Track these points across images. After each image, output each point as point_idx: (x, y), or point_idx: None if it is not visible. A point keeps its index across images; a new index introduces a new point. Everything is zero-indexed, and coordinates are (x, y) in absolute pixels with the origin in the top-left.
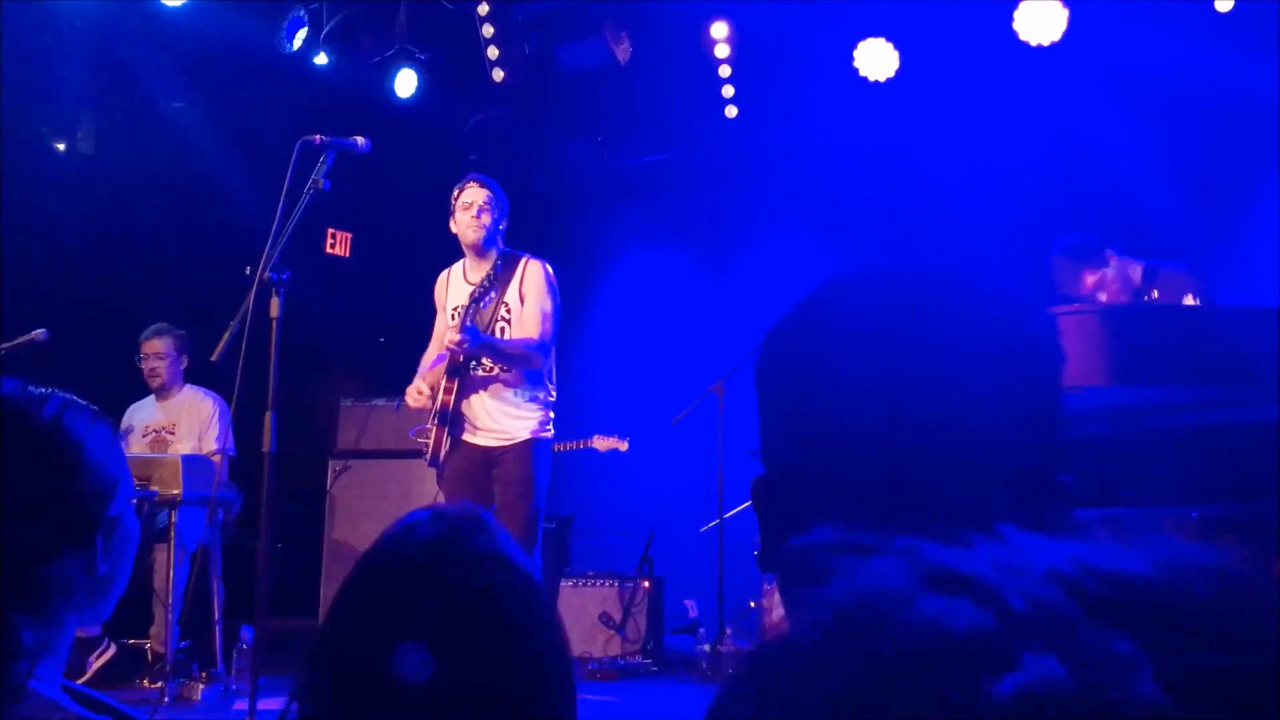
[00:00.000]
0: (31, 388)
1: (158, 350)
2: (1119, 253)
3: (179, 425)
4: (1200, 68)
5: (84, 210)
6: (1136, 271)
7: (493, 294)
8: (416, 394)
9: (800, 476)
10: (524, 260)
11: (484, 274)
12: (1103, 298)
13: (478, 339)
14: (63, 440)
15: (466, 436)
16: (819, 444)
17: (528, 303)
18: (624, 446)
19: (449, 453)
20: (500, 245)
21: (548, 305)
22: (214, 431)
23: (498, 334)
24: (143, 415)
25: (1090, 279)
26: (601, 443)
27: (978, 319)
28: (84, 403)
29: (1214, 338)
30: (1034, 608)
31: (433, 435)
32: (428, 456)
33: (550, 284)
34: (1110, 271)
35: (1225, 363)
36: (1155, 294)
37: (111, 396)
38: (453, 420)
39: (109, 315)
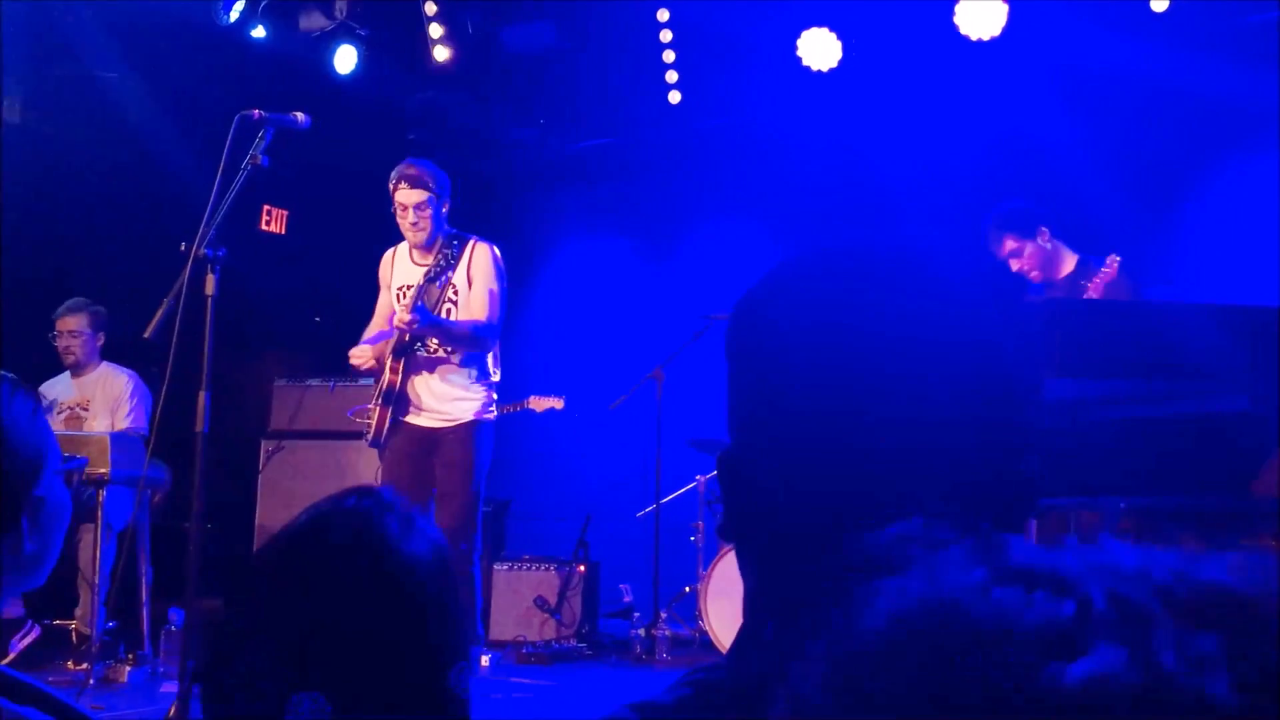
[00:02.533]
0: None
1: (72, 327)
2: (1056, 237)
3: (93, 402)
4: (1136, 65)
5: (10, 181)
6: (1070, 261)
7: (447, 275)
8: (359, 354)
9: (765, 453)
10: (472, 242)
11: (434, 256)
12: (1013, 266)
13: (427, 319)
14: None
15: (409, 418)
16: (784, 422)
17: (475, 285)
18: (560, 404)
19: (389, 433)
20: (445, 229)
21: (495, 288)
22: (126, 408)
23: (444, 315)
24: (57, 392)
25: (1009, 245)
26: (538, 403)
27: (957, 300)
28: (3, 373)
29: (1151, 333)
30: (1115, 604)
31: (375, 415)
32: (369, 437)
33: (498, 267)
34: (1030, 247)
35: (1161, 357)
36: (1103, 268)
37: (42, 372)
38: (397, 400)
39: (36, 289)
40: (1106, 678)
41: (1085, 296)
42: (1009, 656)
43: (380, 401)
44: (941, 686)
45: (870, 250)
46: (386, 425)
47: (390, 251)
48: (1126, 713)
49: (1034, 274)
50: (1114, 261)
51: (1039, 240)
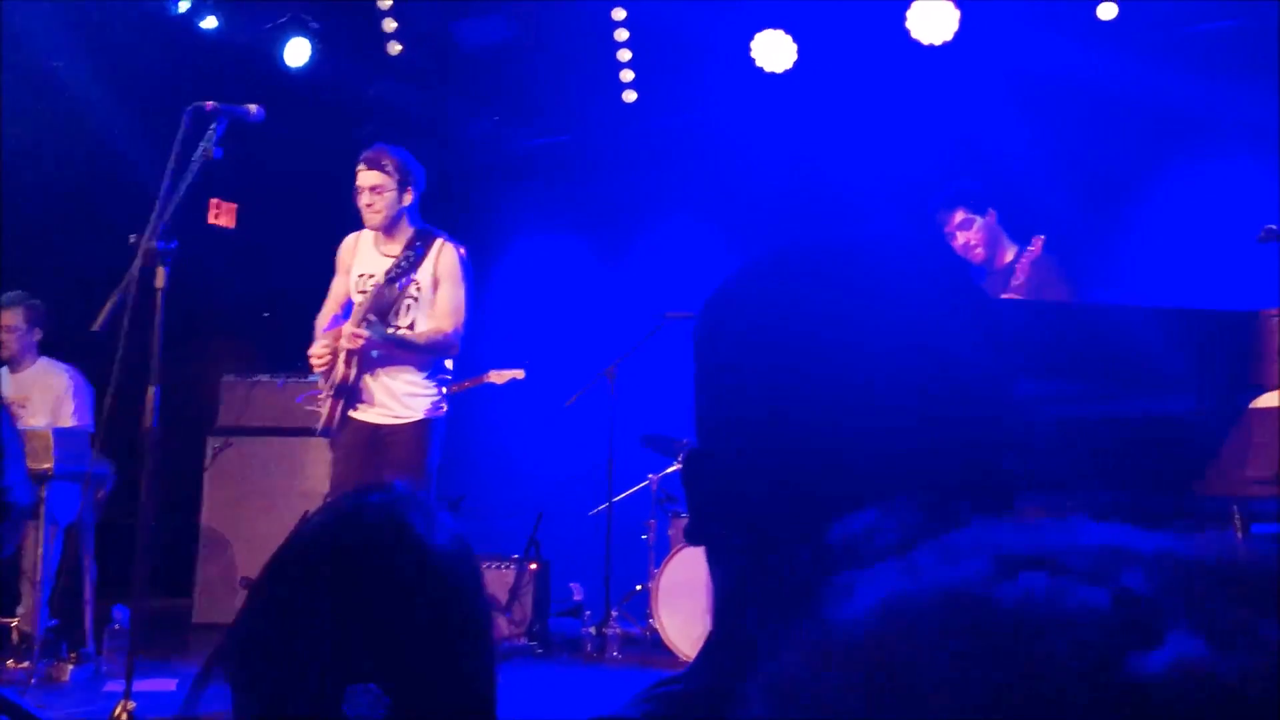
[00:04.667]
0: None
1: (6, 322)
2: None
3: (31, 399)
4: (1085, 71)
5: None
6: (1010, 251)
7: (409, 276)
8: (318, 355)
9: (732, 453)
10: (439, 242)
11: (399, 250)
12: (958, 239)
13: (378, 338)
14: None
15: (358, 413)
16: (751, 422)
17: (441, 290)
18: (521, 375)
19: (339, 427)
20: (413, 221)
21: (461, 295)
22: (69, 406)
23: (402, 313)
24: None
25: (959, 216)
26: (498, 376)
27: (915, 295)
28: None
29: (1097, 334)
30: (1160, 589)
31: (326, 406)
32: (319, 426)
33: (465, 271)
34: (979, 221)
35: (1106, 358)
36: (1028, 247)
37: None
38: (349, 393)
39: None
40: (1195, 666)
41: (1015, 279)
42: (1080, 647)
43: (332, 394)
44: (994, 677)
45: (832, 247)
46: (338, 417)
47: (353, 236)
48: (1223, 702)
49: (977, 251)
50: (1038, 241)
51: (988, 219)
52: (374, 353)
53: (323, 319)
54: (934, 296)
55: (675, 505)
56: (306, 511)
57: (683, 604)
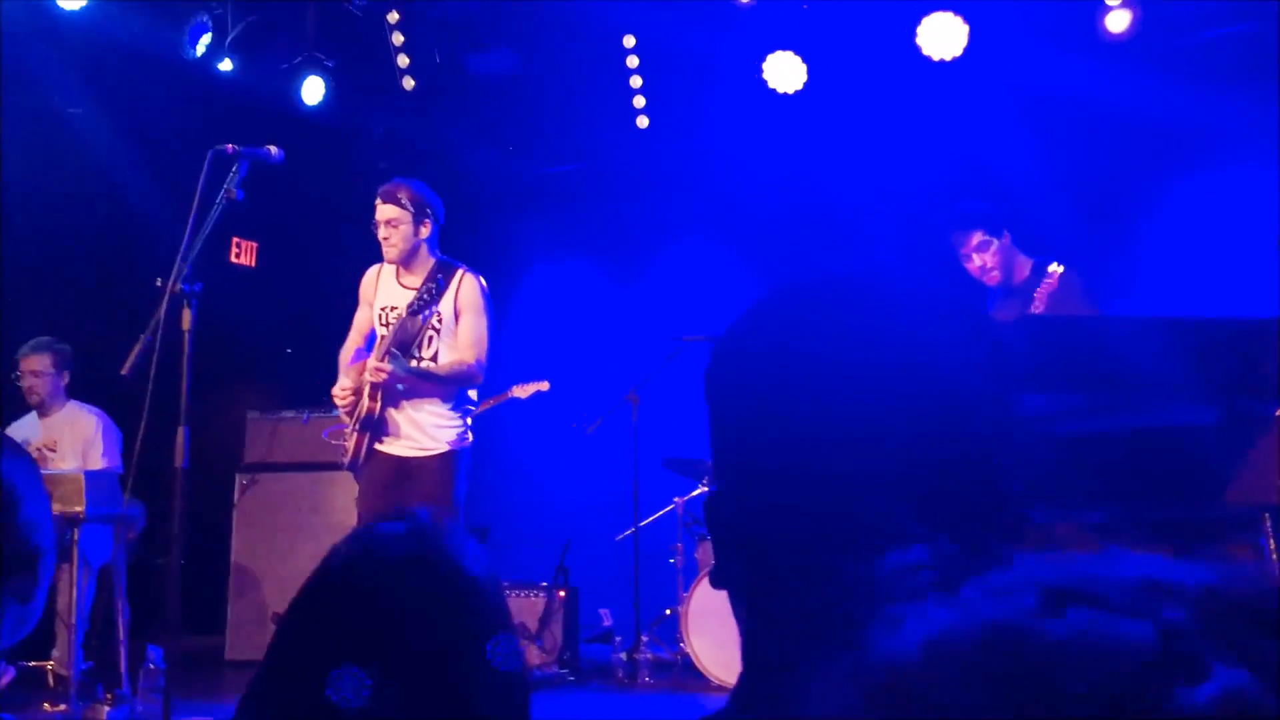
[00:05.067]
0: None
1: (35, 367)
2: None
3: (60, 442)
4: (1092, 83)
5: None
6: (1025, 267)
7: (431, 308)
8: (341, 393)
9: (750, 494)
10: (460, 273)
11: (419, 282)
12: (974, 262)
13: (403, 372)
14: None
15: (384, 446)
16: (771, 460)
17: (463, 321)
18: (545, 387)
19: (365, 460)
20: (432, 253)
21: (483, 326)
22: (99, 448)
23: (425, 344)
24: (25, 433)
25: (976, 239)
26: (522, 389)
27: (931, 323)
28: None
29: (1118, 347)
30: (1201, 623)
31: (353, 441)
32: (346, 460)
33: (486, 301)
34: (996, 244)
35: (1128, 371)
36: (1046, 279)
37: (8, 413)
38: (375, 427)
39: (1, 328)
40: (1241, 698)
41: (1034, 306)
42: (1130, 680)
43: (358, 427)
44: (1045, 712)
45: (835, 282)
46: (364, 450)
47: (375, 268)
48: None
49: (993, 274)
50: (1055, 274)
51: (1004, 241)
52: (399, 386)
53: (346, 351)
54: (942, 327)
55: (701, 528)
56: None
57: (713, 627)
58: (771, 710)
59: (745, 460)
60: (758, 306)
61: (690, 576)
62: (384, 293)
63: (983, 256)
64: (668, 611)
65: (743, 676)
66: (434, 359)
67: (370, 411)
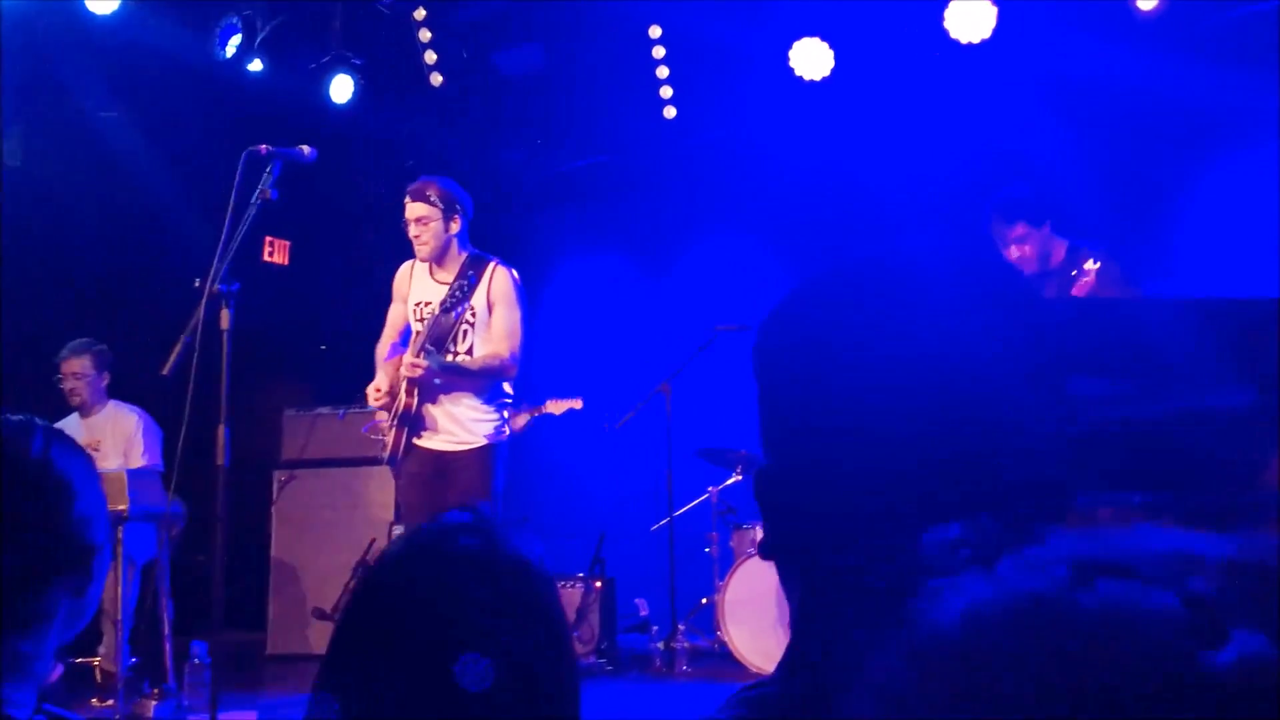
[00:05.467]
0: (11, 417)
1: (75, 369)
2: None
3: (103, 442)
4: (1125, 66)
5: (12, 223)
6: (1060, 249)
7: (465, 303)
8: (375, 392)
9: (801, 468)
10: (492, 266)
11: (452, 277)
12: (1013, 253)
13: (437, 367)
14: (55, 471)
15: (422, 440)
16: (819, 437)
17: (496, 314)
18: (578, 404)
19: (404, 455)
20: (463, 247)
21: (517, 318)
22: (139, 447)
23: (460, 338)
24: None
25: (1019, 230)
26: (556, 406)
27: (989, 305)
28: (58, 429)
29: (1143, 330)
30: (1221, 591)
31: (391, 435)
32: (385, 455)
33: (519, 293)
34: (1036, 235)
35: (1153, 354)
36: (1083, 277)
37: (44, 415)
38: (413, 422)
39: (41, 331)
40: (1259, 661)
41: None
42: (1156, 647)
43: (396, 422)
44: (1078, 677)
45: (883, 262)
46: (403, 445)
47: (408, 264)
48: None
49: (1030, 263)
50: (1091, 270)
51: (1043, 231)
52: (435, 381)
53: (382, 347)
54: (987, 308)
55: (736, 517)
56: (373, 540)
57: (750, 615)
58: (817, 677)
59: (793, 436)
60: (806, 285)
61: (726, 565)
62: (418, 288)
63: (1022, 248)
64: (704, 600)
65: (791, 644)
66: (469, 353)
67: (408, 407)
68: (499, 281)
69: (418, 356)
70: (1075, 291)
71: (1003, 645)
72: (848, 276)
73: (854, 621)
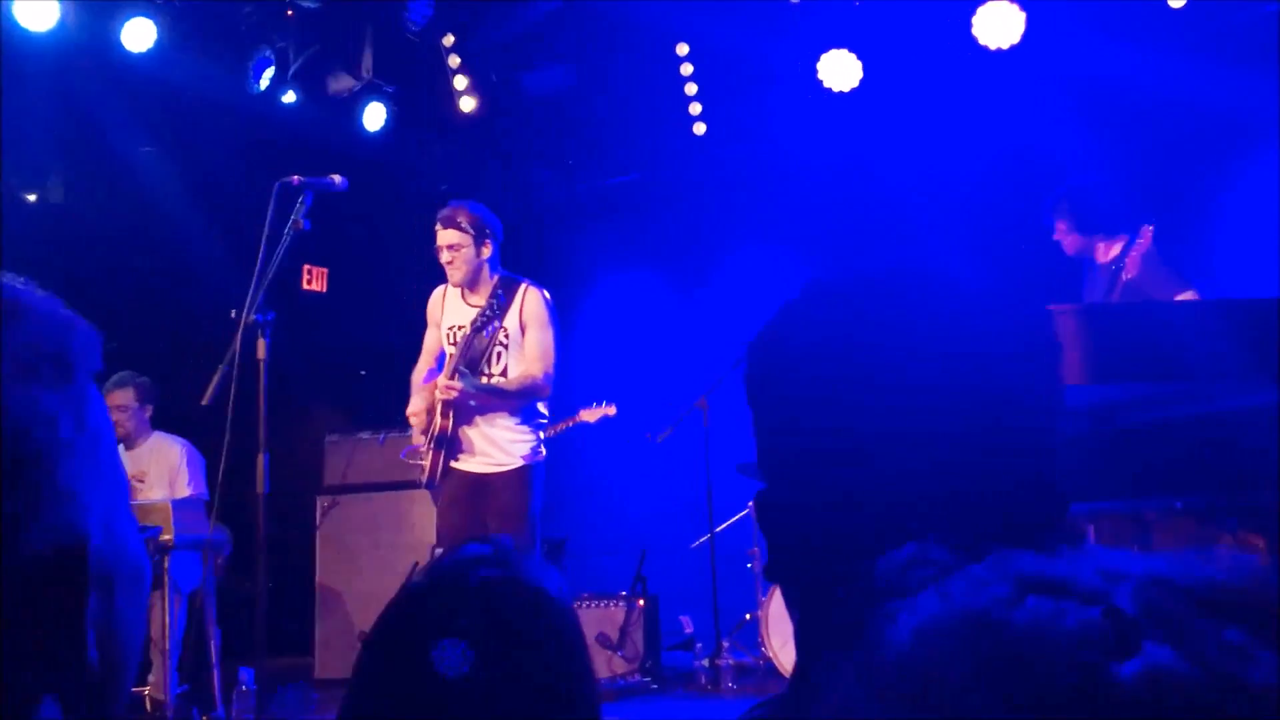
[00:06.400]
0: None
1: (119, 402)
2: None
3: (148, 474)
4: (1154, 67)
5: (56, 260)
6: (1110, 246)
7: (496, 324)
8: (414, 417)
9: (795, 490)
10: (523, 287)
11: (484, 300)
12: (1061, 231)
13: (471, 389)
14: None
15: (459, 463)
16: (803, 460)
17: (529, 334)
18: (612, 411)
19: (442, 478)
20: (495, 270)
21: (549, 339)
22: (184, 476)
23: (494, 360)
24: None
25: (1060, 226)
26: (589, 414)
27: (967, 318)
28: None
29: (1175, 332)
30: (1142, 607)
31: (429, 459)
32: (424, 479)
33: (551, 313)
34: (1074, 240)
35: (1192, 356)
36: (1139, 239)
37: None
38: (449, 444)
39: None
40: (1162, 672)
41: (1126, 273)
42: (1064, 660)
43: (433, 446)
44: (1004, 687)
45: (864, 279)
46: (440, 468)
47: (440, 289)
48: (1183, 701)
49: (1071, 250)
50: (1147, 232)
51: (1093, 237)
52: (470, 402)
53: (419, 373)
54: (978, 323)
55: None
56: (416, 563)
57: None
58: (811, 697)
59: (782, 459)
60: (789, 307)
61: (768, 580)
62: (450, 313)
63: (1067, 239)
64: (747, 616)
65: (795, 668)
66: (503, 374)
67: (444, 430)
68: (530, 302)
69: (452, 379)
70: (1129, 261)
71: (946, 660)
72: (829, 297)
73: (826, 642)
